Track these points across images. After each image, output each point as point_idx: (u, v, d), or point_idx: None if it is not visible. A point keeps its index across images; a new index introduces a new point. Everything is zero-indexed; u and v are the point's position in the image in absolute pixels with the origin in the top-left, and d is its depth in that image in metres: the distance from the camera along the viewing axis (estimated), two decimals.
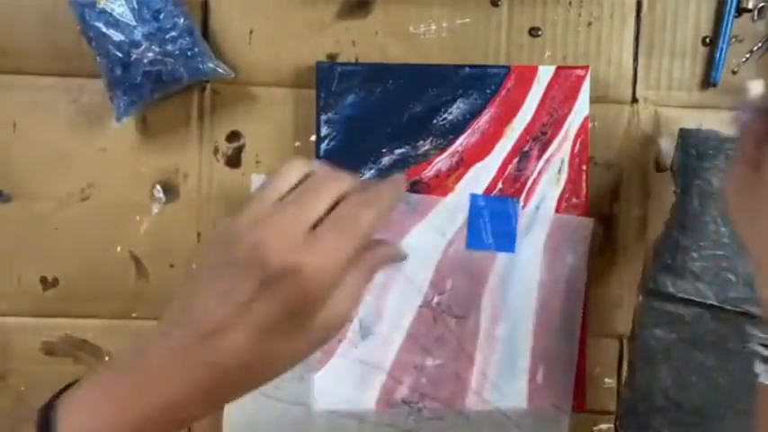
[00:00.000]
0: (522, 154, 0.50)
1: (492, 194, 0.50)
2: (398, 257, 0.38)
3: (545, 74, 0.50)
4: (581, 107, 0.50)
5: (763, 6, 0.51)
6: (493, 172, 0.50)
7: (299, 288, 0.30)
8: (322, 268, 0.31)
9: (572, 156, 0.50)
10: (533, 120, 0.50)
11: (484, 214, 0.49)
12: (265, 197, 0.33)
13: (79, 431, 0.31)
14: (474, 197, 0.49)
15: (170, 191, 0.51)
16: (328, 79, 0.49)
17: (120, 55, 0.45)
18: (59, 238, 0.51)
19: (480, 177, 0.50)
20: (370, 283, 0.35)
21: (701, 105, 0.52)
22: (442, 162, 0.50)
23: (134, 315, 0.51)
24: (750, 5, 0.51)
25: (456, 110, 0.50)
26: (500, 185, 0.50)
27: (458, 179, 0.50)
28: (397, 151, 0.50)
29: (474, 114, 0.50)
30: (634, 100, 0.52)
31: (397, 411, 0.50)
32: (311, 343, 0.33)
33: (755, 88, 0.37)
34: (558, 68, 0.50)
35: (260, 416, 0.49)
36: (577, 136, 0.50)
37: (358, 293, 0.34)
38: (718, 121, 0.51)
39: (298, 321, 0.32)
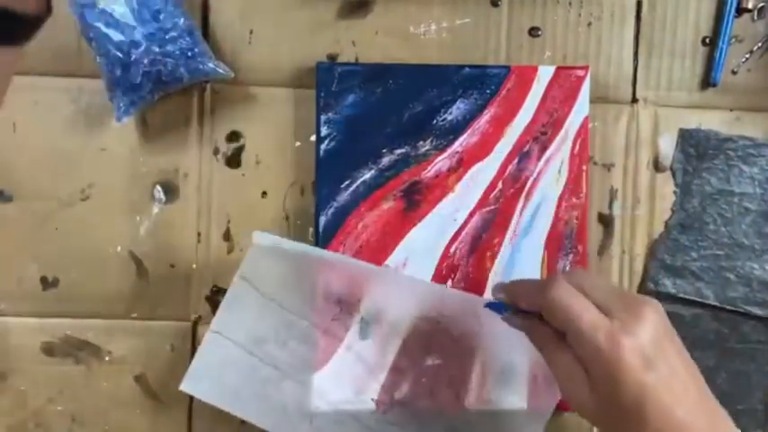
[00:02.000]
0: (521, 154, 0.50)
1: (491, 195, 0.50)
2: None
3: (545, 74, 0.50)
4: (581, 107, 0.50)
5: (763, 6, 0.51)
6: (493, 172, 0.50)
7: None
8: None
9: (572, 156, 0.50)
10: (533, 120, 0.50)
11: None
12: None
13: None
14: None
15: (170, 191, 0.51)
16: (328, 79, 0.49)
17: (120, 55, 0.45)
18: (59, 238, 0.51)
19: (480, 177, 0.50)
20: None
21: (701, 105, 0.52)
22: (441, 162, 0.50)
23: (134, 315, 0.51)
24: (750, 5, 0.51)
25: (456, 110, 0.50)
26: (500, 185, 0.50)
27: (458, 179, 0.50)
28: (397, 151, 0.50)
29: (474, 114, 0.50)
30: (634, 100, 0.52)
31: (397, 411, 0.50)
32: None
33: None
34: (558, 68, 0.50)
35: (227, 367, 0.49)
36: (577, 136, 0.50)
37: None
38: (718, 121, 0.52)
39: None
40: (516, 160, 0.50)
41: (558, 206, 0.50)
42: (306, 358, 0.49)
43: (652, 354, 0.36)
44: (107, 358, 0.51)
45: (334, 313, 0.49)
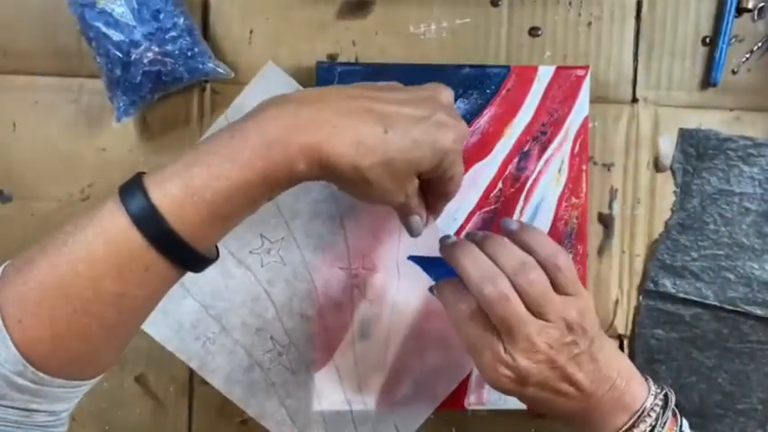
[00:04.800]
0: (522, 154, 0.50)
1: (491, 195, 0.50)
2: None
3: (545, 74, 0.50)
4: (581, 107, 0.50)
5: (763, 6, 0.51)
6: (493, 172, 0.50)
7: None
8: None
9: (572, 156, 0.50)
10: (533, 120, 0.50)
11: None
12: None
13: (170, 193, 0.32)
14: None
15: None
16: (328, 79, 0.49)
17: (120, 55, 0.45)
18: None
19: (480, 177, 0.50)
20: None
21: (701, 105, 0.52)
22: None
23: None
24: (750, 5, 0.51)
25: (456, 109, 0.50)
26: (500, 185, 0.50)
27: None
28: None
29: (474, 114, 0.50)
30: (634, 100, 0.52)
31: (397, 411, 0.50)
32: None
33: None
34: (558, 68, 0.50)
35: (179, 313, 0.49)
36: (577, 136, 0.50)
37: None
38: (718, 121, 0.52)
39: None
40: (516, 160, 0.50)
41: (558, 206, 0.50)
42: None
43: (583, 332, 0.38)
44: None
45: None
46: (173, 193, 0.32)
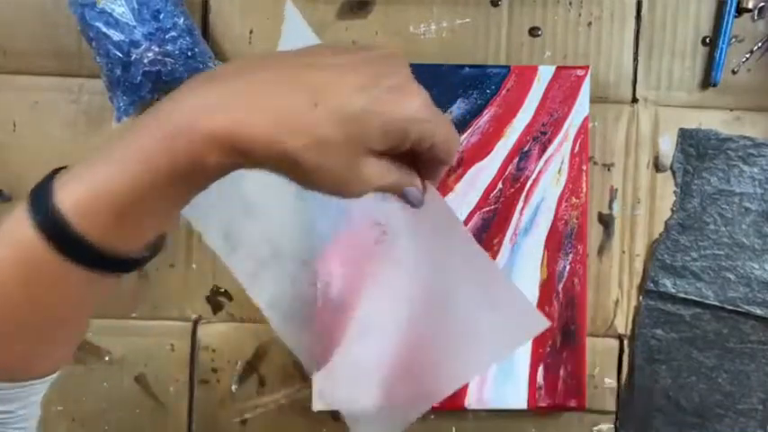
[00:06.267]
0: (522, 154, 0.50)
1: (491, 195, 0.50)
2: None
3: (545, 74, 0.50)
4: (581, 107, 0.50)
5: (763, 6, 0.51)
6: (493, 172, 0.50)
7: None
8: None
9: (572, 156, 0.50)
10: (533, 120, 0.50)
11: None
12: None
13: (77, 194, 0.28)
14: None
15: None
16: None
17: (120, 55, 0.45)
18: None
19: (480, 177, 0.50)
20: None
21: (701, 105, 0.52)
22: None
23: (134, 315, 0.51)
24: (750, 5, 0.51)
25: (456, 110, 0.50)
26: (500, 185, 0.50)
27: (458, 179, 0.50)
28: None
29: (474, 114, 0.50)
30: (634, 100, 0.52)
31: (397, 411, 0.50)
32: None
33: None
34: (558, 68, 0.50)
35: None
36: (577, 136, 0.50)
37: None
38: (718, 121, 0.52)
39: None
40: (516, 160, 0.50)
41: (558, 206, 0.50)
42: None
43: None
44: (107, 358, 0.51)
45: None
46: (78, 191, 0.28)
